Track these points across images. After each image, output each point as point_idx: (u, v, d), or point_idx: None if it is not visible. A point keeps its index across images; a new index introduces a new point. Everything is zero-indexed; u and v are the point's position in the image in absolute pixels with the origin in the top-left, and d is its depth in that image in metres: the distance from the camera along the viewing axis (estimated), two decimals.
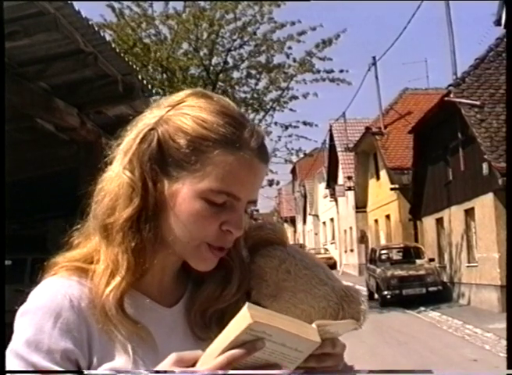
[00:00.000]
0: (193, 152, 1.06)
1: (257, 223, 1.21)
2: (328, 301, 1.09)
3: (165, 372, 0.92)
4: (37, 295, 1.07)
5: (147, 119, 1.11)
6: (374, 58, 27.21)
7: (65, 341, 1.03)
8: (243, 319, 0.89)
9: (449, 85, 18.15)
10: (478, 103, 16.81)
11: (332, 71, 18.95)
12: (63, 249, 1.14)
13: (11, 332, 1.08)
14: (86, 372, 1.03)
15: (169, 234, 1.08)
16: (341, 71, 19.22)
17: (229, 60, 18.99)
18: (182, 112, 1.09)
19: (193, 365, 0.92)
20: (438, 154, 20.65)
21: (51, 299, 1.05)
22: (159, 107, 1.12)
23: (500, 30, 17.58)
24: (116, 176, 1.10)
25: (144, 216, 1.07)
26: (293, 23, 18.29)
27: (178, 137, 1.07)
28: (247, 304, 0.91)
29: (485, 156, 15.64)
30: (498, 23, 16.63)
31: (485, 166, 15.95)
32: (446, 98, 17.89)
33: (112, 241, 1.08)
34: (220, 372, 0.90)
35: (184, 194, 1.06)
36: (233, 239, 1.10)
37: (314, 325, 0.95)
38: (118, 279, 1.06)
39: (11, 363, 1.02)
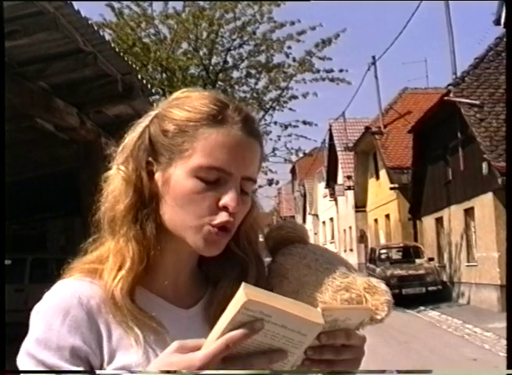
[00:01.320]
0: (180, 134, 1.09)
1: (278, 224, 1.22)
2: (351, 293, 1.07)
3: (175, 372, 0.91)
4: (48, 296, 1.08)
5: (143, 121, 1.16)
6: (373, 57, 27.24)
7: (73, 337, 1.03)
8: (238, 299, 0.88)
9: (449, 85, 18.16)
10: (477, 103, 16.82)
11: (331, 71, 19.00)
12: (80, 255, 1.16)
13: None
14: (98, 372, 1.03)
15: (170, 219, 1.10)
16: (341, 71, 19.27)
17: (229, 60, 19.03)
18: (171, 104, 1.14)
19: None
20: (437, 153, 20.65)
21: (60, 298, 1.07)
22: (157, 108, 1.17)
23: (500, 30, 17.59)
24: (114, 174, 1.14)
25: (141, 206, 1.10)
26: (292, 23, 18.31)
27: (165, 125, 1.11)
28: (243, 284, 0.89)
29: (485, 156, 15.64)
30: (497, 22, 16.61)
31: (484, 165, 15.95)
32: (445, 98, 17.89)
33: (118, 236, 1.10)
34: (219, 355, 0.88)
35: (176, 175, 1.09)
36: (233, 217, 1.09)
37: (318, 308, 0.93)
38: (124, 270, 1.08)
39: (22, 362, 1.04)
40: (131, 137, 1.15)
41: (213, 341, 0.89)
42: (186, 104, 1.12)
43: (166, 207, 1.10)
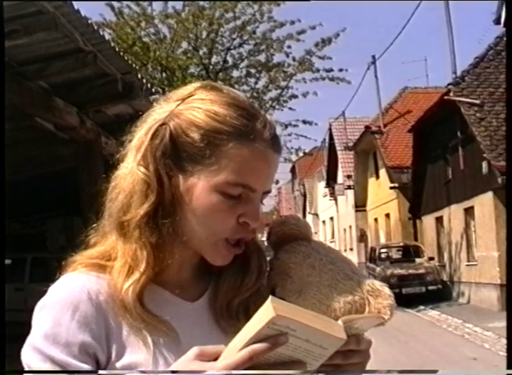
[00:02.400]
0: (207, 146, 1.05)
1: (281, 219, 1.20)
2: (354, 295, 1.07)
3: (177, 371, 0.91)
4: (55, 290, 1.06)
5: (156, 114, 1.10)
6: (373, 57, 27.21)
7: (83, 333, 1.02)
8: (265, 313, 0.87)
9: (449, 84, 18.16)
10: (477, 102, 16.81)
11: (331, 70, 18.99)
12: (80, 248, 1.13)
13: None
14: (100, 372, 1.02)
15: (187, 229, 1.07)
16: (340, 70, 19.26)
17: (229, 59, 19.02)
18: (193, 106, 1.08)
19: (216, 359, 0.91)
20: (437, 153, 20.65)
21: (68, 293, 1.05)
22: (168, 101, 1.11)
23: (500, 29, 17.59)
24: (130, 173, 1.09)
25: (161, 212, 1.06)
26: (292, 22, 18.31)
27: (191, 132, 1.06)
28: (270, 297, 0.89)
29: (485, 155, 15.64)
30: (497, 21, 16.61)
31: (484, 164, 15.95)
32: (445, 97, 17.88)
33: (130, 238, 1.07)
34: (241, 366, 0.88)
35: (200, 188, 1.06)
36: (251, 231, 1.09)
37: (340, 321, 0.93)
38: (137, 274, 1.05)
39: (29, 357, 1.01)
40: (143, 132, 1.09)
41: (235, 351, 0.89)
42: (212, 110, 1.06)
43: (185, 215, 1.07)
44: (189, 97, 1.10)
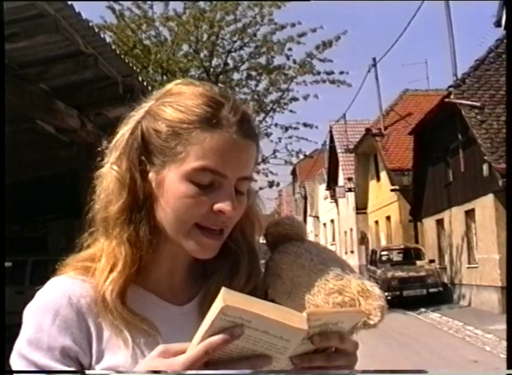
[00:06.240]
0: (173, 137, 1.06)
1: (276, 219, 1.20)
2: (344, 296, 1.05)
3: (160, 371, 0.90)
4: (39, 294, 1.08)
5: (136, 114, 1.13)
6: (374, 59, 27.21)
7: (63, 337, 1.03)
8: (217, 304, 0.86)
9: (450, 86, 18.15)
10: (478, 104, 16.81)
11: (332, 73, 19.03)
12: (74, 251, 1.15)
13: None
14: (87, 372, 1.03)
15: (162, 222, 1.08)
16: (341, 73, 19.30)
17: (230, 62, 19.03)
18: (163, 101, 1.10)
19: None
20: (438, 155, 20.65)
21: (50, 298, 1.06)
22: (149, 101, 1.14)
23: (500, 32, 17.59)
24: (107, 172, 1.11)
25: (136, 207, 1.08)
26: (293, 25, 18.32)
27: (158, 126, 1.08)
28: (222, 288, 0.87)
29: (486, 157, 15.64)
30: (498, 24, 16.62)
31: (485, 167, 15.95)
32: (446, 100, 17.88)
33: (110, 236, 1.09)
34: (199, 361, 0.87)
35: (170, 179, 1.06)
36: (228, 220, 1.08)
37: (304, 313, 0.90)
38: (115, 272, 1.06)
39: (15, 363, 1.03)
40: (123, 131, 1.12)
41: (195, 346, 0.88)
42: (179, 102, 1.08)
43: (160, 210, 1.08)
44: (165, 94, 1.12)
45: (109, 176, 1.10)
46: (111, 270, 1.07)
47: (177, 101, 1.08)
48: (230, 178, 1.06)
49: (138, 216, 1.08)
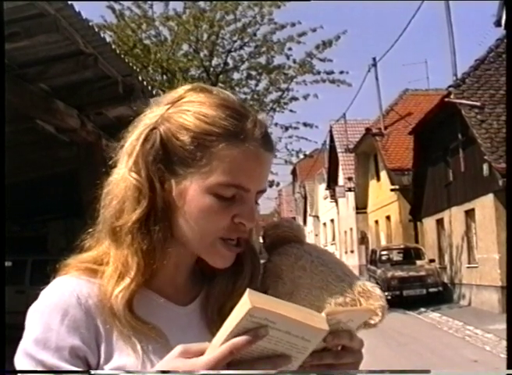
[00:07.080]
0: (198, 148, 1.05)
1: (274, 222, 1.20)
2: (345, 297, 1.07)
3: (169, 372, 0.91)
4: (45, 294, 1.07)
5: (147, 118, 1.10)
6: (374, 59, 27.21)
7: (72, 337, 1.02)
8: (243, 306, 0.87)
9: (450, 86, 18.14)
10: (478, 104, 16.81)
11: (332, 72, 19.03)
12: (75, 252, 1.13)
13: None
14: (93, 372, 1.03)
15: (181, 233, 1.07)
16: (341, 72, 19.31)
17: (229, 61, 19.04)
18: (182, 109, 1.08)
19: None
20: (438, 155, 20.64)
21: (58, 297, 1.05)
22: (159, 105, 1.11)
23: (500, 31, 17.61)
24: (122, 179, 1.09)
25: (153, 217, 1.06)
26: (293, 25, 18.33)
27: (181, 135, 1.06)
28: (247, 290, 0.89)
29: (486, 157, 15.63)
30: (498, 23, 16.64)
31: (485, 166, 15.95)
32: (446, 99, 17.88)
33: (122, 244, 1.07)
34: (223, 361, 0.88)
35: (193, 191, 1.05)
36: (247, 230, 1.09)
37: (323, 313, 0.92)
38: (127, 280, 1.05)
39: (21, 362, 1.02)
40: (134, 137, 1.09)
41: (217, 346, 0.89)
42: (201, 112, 1.06)
43: (181, 221, 1.06)
44: (179, 100, 1.10)
45: (125, 183, 1.08)
46: (121, 277, 1.06)
47: (199, 110, 1.07)
48: (252, 192, 1.07)
49: (155, 225, 1.05)
